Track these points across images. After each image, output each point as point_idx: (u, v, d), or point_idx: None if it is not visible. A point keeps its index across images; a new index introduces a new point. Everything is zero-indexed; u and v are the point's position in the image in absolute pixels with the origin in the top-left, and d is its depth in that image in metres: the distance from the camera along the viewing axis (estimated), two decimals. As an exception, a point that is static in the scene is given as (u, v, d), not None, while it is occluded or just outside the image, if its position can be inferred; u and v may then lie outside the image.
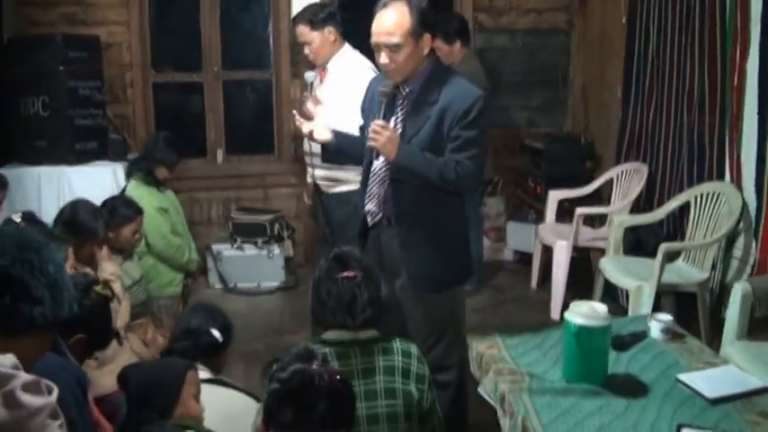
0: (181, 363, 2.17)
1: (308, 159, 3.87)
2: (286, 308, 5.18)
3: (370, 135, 2.67)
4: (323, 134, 3.02)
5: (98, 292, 2.34)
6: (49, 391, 1.66)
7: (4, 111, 4.83)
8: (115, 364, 2.73)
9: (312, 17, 3.72)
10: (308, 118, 3.30)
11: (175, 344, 2.53)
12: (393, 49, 2.65)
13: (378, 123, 2.68)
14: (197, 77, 5.79)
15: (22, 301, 1.62)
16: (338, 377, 1.71)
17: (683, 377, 2.45)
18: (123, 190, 4.38)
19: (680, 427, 2.11)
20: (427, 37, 2.69)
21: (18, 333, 1.64)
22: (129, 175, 4.48)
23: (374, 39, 2.72)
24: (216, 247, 5.47)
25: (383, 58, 2.70)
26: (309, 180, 4.15)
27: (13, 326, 1.64)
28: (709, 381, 2.43)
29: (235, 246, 5.44)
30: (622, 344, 2.69)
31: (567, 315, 2.40)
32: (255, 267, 5.44)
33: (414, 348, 2.28)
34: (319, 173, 3.83)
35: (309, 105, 3.67)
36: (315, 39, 3.72)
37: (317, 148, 3.51)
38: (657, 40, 4.87)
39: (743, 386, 2.42)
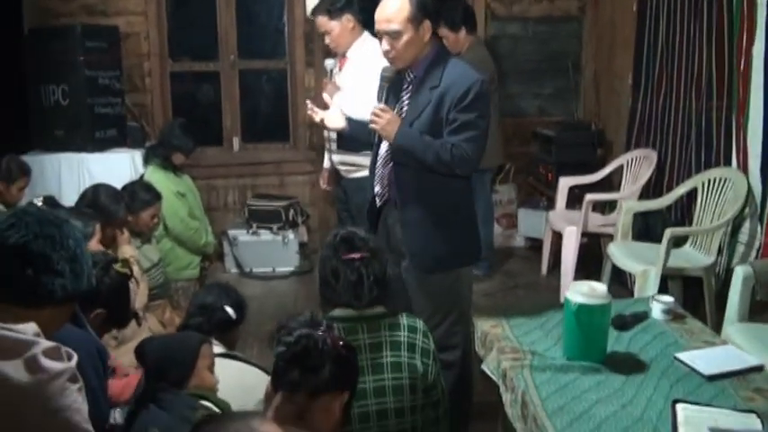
0: (196, 336, 2.27)
1: (327, 145, 3.99)
2: (300, 292, 5.28)
3: (372, 118, 2.77)
4: (336, 122, 3.11)
5: (117, 270, 2.44)
6: (69, 358, 1.77)
7: (26, 99, 4.95)
8: (134, 343, 2.84)
9: (330, 7, 3.81)
10: (324, 107, 3.37)
11: (190, 319, 2.64)
12: (393, 35, 2.75)
13: (378, 107, 2.79)
14: (213, 67, 5.90)
15: (44, 274, 1.72)
16: (341, 342, 1.82)
17: (680, 355, 2.50)
18: (142, 176, 4.50)
19: (675, 402, 2.18)
20: (427, 24, 2.76)
21: (39, 304, 1.74)
22: (146, 162, 4.61)
23: (376, 26, 2.82)
24: (232, 232, 5.58)
25: (384, 45, 2.80)
26: (327, 165, 4.25)
27: (35, 297, 1.74)
28: (706, 359, 2.49)
29: (251, 231, 5.56)
30: (623, 323, 2.75)
31: (567, 294, 2.47)
32: (270, 252, 5.55)
33: (419, 323, 2.38)
34: (337, 158, 3.94)
35: (325, 94, 3.77)
36: (334, 28, 3.81)
37: (334, 135, 3.60)
38: (667, 28, 4.90)
39: (739, 364, 2.47)
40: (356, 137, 3.14)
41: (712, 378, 2.37)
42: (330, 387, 1.75)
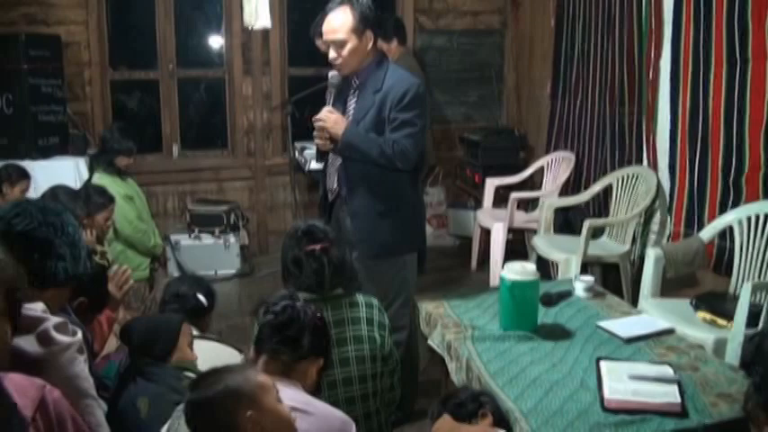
0: (177, 316, 2.50)
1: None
2: (243, 293, 5.47)
3: (320, 117, 3.07)
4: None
5: (97, 261, 2.64)
6: (74, 333, 1.98)
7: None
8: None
9: (320, 28, 4.05)
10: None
11: (166, 306, 2.85)
12: (339, 44, 3.08)
13: (326, 109, 3.11)
14: (153, 75, 6.04)
15: (48, 258, 1.93)
16: (318, 314, 2.13)
17: (601, 323, 2.87)
18: (86, 182, 4.61)
19: (599, 359, 2.52)
20: (369, 34, 3.10)
21: (44, 285, 1.95)
22: (92, 169, 4.73)
23: (324, 37, 3.16)
24: (174, 237, 5.72)
25: (331, 53, 3.12)
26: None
27: (41, 279, 1.94)
28: (624, 325, 2.86)
29: (192, 235, 5.72)
30: (550, 300, 3.09)
31: (502, 273, 2.81)
32: (212, 256, 5.72)
33: (375, 301, 2.66)
34: (315, 166, 4.21)
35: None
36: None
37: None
38: (582, 41, 5.35)
39: (653, 328, 2.85)
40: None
41: (630, 340, 2.74)
42: (309, 352, 2.04)
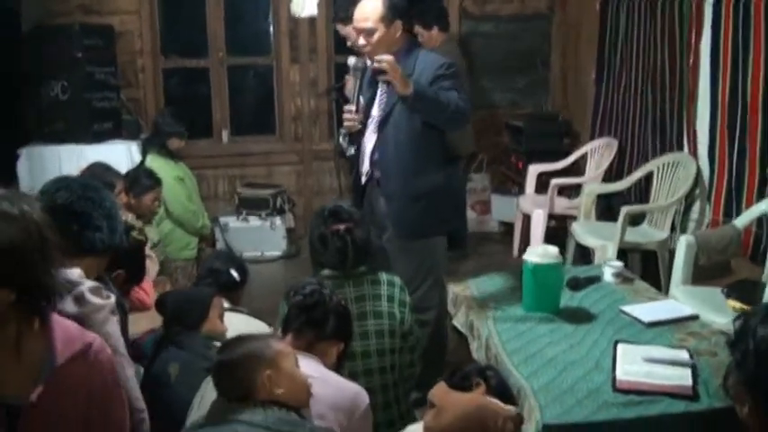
0: (208, 289, 2.64)
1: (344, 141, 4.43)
2: (288, 274, 5.60)
3: (383, 67, 2.93)
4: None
5: (134, 237, 2.78)
6: (108, 297, 2.13)
7: (27, 95, 5.23)
8: (142, 314, 3.19)
9: (342, 14, 4.15)
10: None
11: (201, 281, 3.00)
12: (368, 32, 3.15)
13: (388, 58, 2.96)
14: (203, 63, 6.21)
15: (86, 229, 2.09)
16: (342, 302, 2.31)
17: (625, 308, 2.90)
18: (139, 164, 4.80)
19: (616, 342, 2.56)
20: (398, 23, 3.16)
21: (82, 254, 2.10)
22: (145, 152, 4.92)
23: (353, 24, 3.24)
24: (223, 219, 5.90)
25: (360, 41, 3.20)
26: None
27: (80, 248, 2.10)
28: (647, 310, 2.88)
29: (240, 218, 5.89)
30: (576, 284, 3.14)
31: (525, 256, 2.87)
32: (259, 237, 5.88)
33: (397, 279, 2.75)
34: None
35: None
36: (350, 31, 4.14)
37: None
38: (626, 26, 5.32)
39: (676, 313, 2.87)
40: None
41: (651, 325, 2.76)
42: (331, 334, 2.21)
